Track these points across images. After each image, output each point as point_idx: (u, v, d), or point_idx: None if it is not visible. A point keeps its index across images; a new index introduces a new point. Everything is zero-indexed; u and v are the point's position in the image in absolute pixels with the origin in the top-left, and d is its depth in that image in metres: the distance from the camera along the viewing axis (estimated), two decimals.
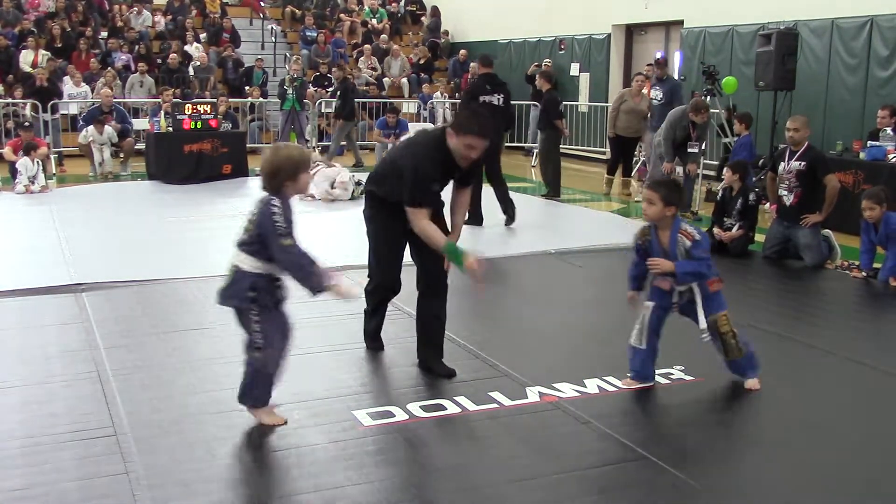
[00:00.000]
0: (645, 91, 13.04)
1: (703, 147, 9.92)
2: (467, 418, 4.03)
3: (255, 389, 3.83)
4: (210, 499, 3.26)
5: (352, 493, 3.31)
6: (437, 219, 4.54)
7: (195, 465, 3.52)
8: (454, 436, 3.86)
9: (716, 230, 7.87)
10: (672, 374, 4.61)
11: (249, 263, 3.67)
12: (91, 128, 12.49)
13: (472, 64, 18.47)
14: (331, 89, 15.80)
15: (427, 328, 4.69)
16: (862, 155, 9.09)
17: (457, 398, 4.23)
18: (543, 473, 3.50)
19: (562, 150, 11.50)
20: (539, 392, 4.32)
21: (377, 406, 4.12)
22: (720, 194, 8.19)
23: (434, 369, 4.61)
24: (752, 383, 4.42)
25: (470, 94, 9.37)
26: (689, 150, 9.68)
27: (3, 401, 4.20)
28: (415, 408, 4.11)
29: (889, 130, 8.93)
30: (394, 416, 4.03)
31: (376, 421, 3.96)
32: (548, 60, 16.57)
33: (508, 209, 9.18)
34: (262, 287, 3.69)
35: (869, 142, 9.17)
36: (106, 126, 12.51)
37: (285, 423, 3.88)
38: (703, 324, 4.30)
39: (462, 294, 6.58)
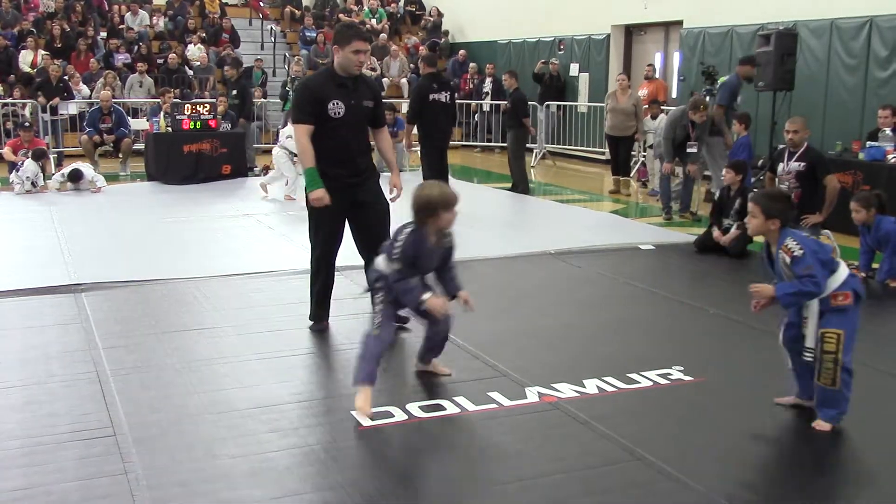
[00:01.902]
0: (643, 91, 13.08)
1: (703, 147, 9.93)
2: (466, 419, 4.04)
3: (364, 365, 4.06)
4: (210, 499, 3.26)
5: (352, 493, 3.31)
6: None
7: (195, 465, 3.52)
8: (453, 436, 3.86)
9: (714, 231, 7.88)
10: (671, 374, 4.61)
11: (380, 260, 4.18)
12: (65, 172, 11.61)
13: (470, 65, 18.53)
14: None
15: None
16: (861, 155, 9.09)
17: (456, 398, 4.23)
18: (543, 474, 3.50)
19: (561, 151, 11.58)
20: (538, 392, 4.32)
21: (376, 406, 4.12)
22: (718, 194, 8.21)
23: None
24: (821, 424, 3.91)
25: (419, 94, 9.53)
26: (689, 149, 9.68)
27: (2, 401, 4.21)
28: (414, 408, 4.11)
29: (888, 131, 8.92)
30: (393, 416, 4.03)
31: (376, 421, 3.97)
32: (555, 60, 16.59)
33: None
34: (385, 282, 4.11)
35: (868, 142, 9.18)
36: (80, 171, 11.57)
37: (372, 414, 3.99)
38: (810, 340, 3.89)
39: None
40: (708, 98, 10.68)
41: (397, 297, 4.09)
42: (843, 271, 3.83)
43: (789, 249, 3.79)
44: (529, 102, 12.63)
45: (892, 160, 8.62)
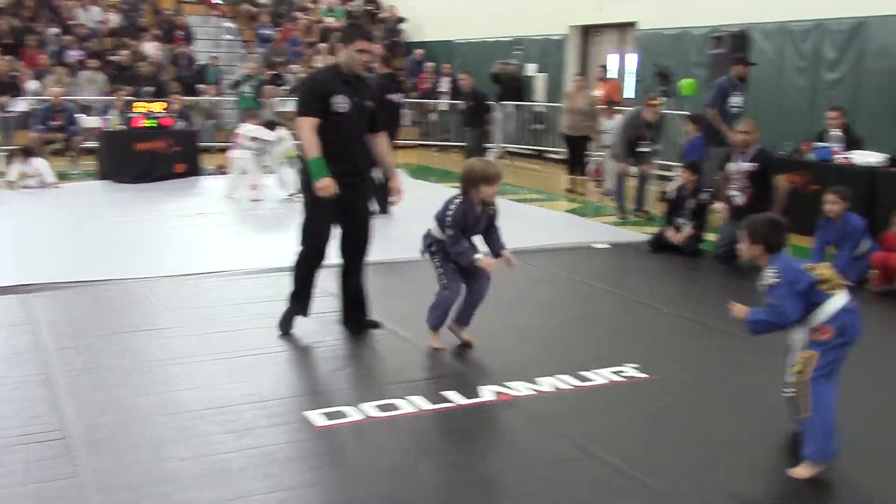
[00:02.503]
0: (598, 92, 13.19)
1: (656, 147, 10.06)
2: (421, 418, 4.04)
3: (433, 313, 4.95)
4: (159, 502, 3.22)
5: (306, 494, 3.29)
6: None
7: (143, 467, 3.48)
8: (407, 435, 3.86)
9: (668, 230, 7.98)
10: (626, 371, 4.66)
11: (433, 228, 4.91)
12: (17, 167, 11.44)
13: (426, 65, 18.52)
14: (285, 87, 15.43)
15: (352, 294, 5.29)
16: (810, 156, 9.27)
17: (410, 398, 4.23)
18: (498, 472, 3.51)
19: (519, 150, 11.63)
20: (493, 391, 4.33)
21: (331, 406, 4.11)
22: (673, 194, 8.31)
23: (364, 323, 5.30)
24: (799, 471, 3.52)
25: (378, 93, 9.53)
26: (641, 149, 9.80)
27: None
28: (368, 408, 4.10)
29: (836, 132, 9.10)
30: (347, 416, 4.02)
31: (330, 421, 3.95)
32: (514, 60, 16.66)
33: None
34: (438, 246, 4.89)
35: (817, 143, 9.35)
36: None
37: (444, 348, 4.86)
38: (788, 374, 3.68)
39: (415, 296, 6.58)
40: (663, 99, 10.82)
41: (454, 258, 4.83)
42: (832, 304, 3.53)
43: (767, 277, 3.63)
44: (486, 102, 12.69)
45: (839, 160, 8.78)
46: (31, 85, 14.87)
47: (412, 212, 9.79)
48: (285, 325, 5.18)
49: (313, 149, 4.84)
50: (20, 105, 14.27)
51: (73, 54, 16.52)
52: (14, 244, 7.68)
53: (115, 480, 3.36)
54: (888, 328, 5.89)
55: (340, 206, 5.00)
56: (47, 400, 4.15)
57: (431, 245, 4.93)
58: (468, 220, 4.82)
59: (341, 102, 4.90)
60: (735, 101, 9.20)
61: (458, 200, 4.83)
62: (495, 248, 5.03)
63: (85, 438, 3.72)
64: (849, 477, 3.55)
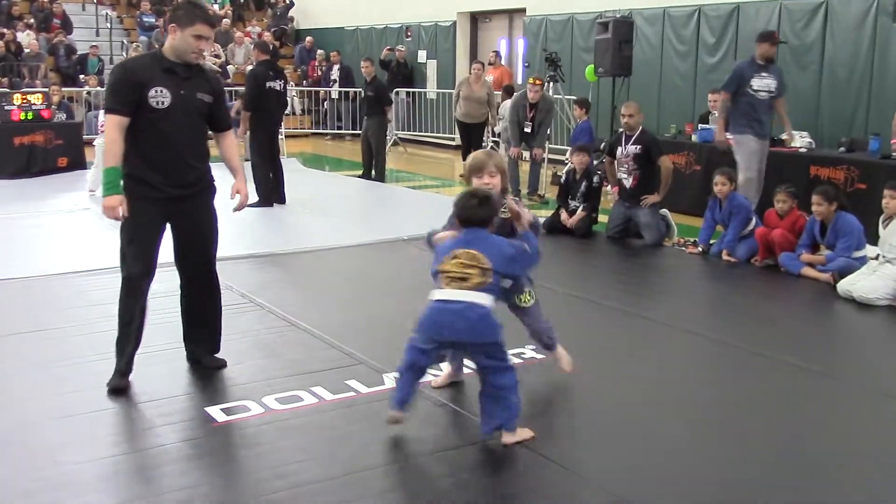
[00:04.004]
0: (490, 78, 13.31)
1: (547, 131, 10.24)
2: (324, 408, 4.01)
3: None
4: None
5: (207, 492, 3.23)
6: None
7: (38, 473, 3.35)
8: (310, 427, 3.82)
9: (562, 213, 8.13)
10: (525, 353, 4.73)
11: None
12: None
13: (317, 52, 18.30)
14: None
15: (195, 318, 4.48)
16: (694, 137, 9.60)
17: (313, 388, 4.19)
18: (406, 456, 3.53)
19: (411, 137, 11.63)
20: (397, 378, 4.33)
21: (231, 401, 4.04)
22: (564, 177, 8.47)
23: (203, 362, 4.49)
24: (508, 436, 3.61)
25: (255, 81, 9.47)
26: (525, 129, 9.97)
27: None
28: (270, 400, 4.05)
29: (716, 114, 9.45)
30: (249, 409, 3.96)
31: (231, 416, 3.88)
32: (401, 46, 16.63)
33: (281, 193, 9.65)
34: None
35: (700, 125, 9.69)
36: None
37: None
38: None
39: (314, 284, 6.54)
40: (551, 84, 11.01)
41: None
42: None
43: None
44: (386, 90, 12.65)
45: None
46: None
47: (302, 201, 9.76)
48: (114, 382, 4.19)
49: (110, 156, 4.02)
50: None
51: None
52: None
53: (7, 488, 3.22)
54: (770, 300, 6.16)
55: (164, 220, 4.21)
56: None
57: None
58: None
59: (159, 96, 4.04)
60: (761, 84, 7.93)
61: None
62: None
63: None
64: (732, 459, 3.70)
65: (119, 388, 4.14)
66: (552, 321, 4.44)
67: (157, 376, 4.35)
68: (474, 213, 3.67)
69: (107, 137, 4.07)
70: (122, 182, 4.04)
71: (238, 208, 4.50)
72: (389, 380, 4.31)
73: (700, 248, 7.34)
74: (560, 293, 6.05)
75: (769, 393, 4.32)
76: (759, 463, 3.50)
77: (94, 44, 17.35)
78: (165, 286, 4.71)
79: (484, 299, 3.54)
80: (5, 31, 16.53)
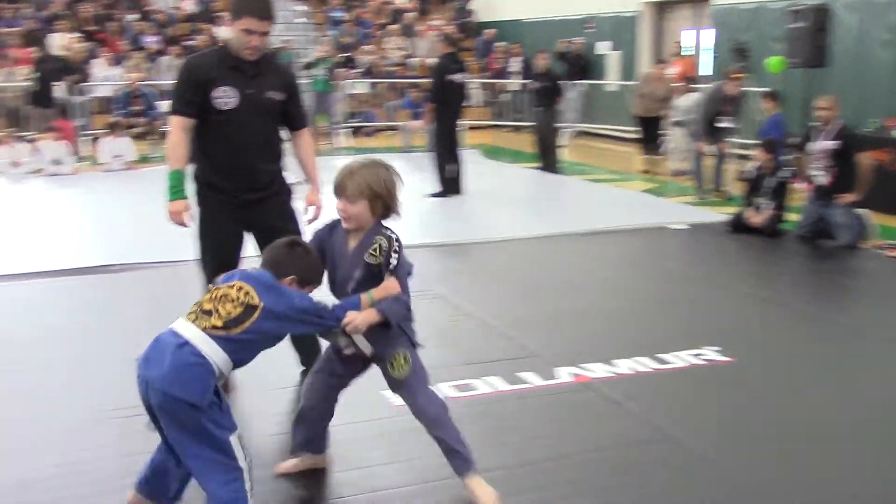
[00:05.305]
0: (672, 70, 12.94)
1: (736, 124, 9.85)
2: (497, 398, 4.04)
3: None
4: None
5: (385, 472, 3.33)
6: None
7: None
8: (484, 416, 3.86)
9: (747, 211, 7.80)
10: (705, 354, 4.58)
11: None
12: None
13: (496, 44, 18.42)
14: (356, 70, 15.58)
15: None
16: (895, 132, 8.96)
17: (487, 378, 4.23)
18: (573, 453, 3.50)
19: (590, 130, 11.51)
20: (570, 372, 4.31)
21: None
22: (752, 174, 8.13)
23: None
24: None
25: (440, 73, 9.54)
26: (722, 125, 9.60)
27: None
28: (445, 387, 4.10)
29: None
30: None
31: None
32: (580, 38, 16.47)
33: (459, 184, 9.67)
34: None
35: None
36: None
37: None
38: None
39: (491, 275, 6.59)
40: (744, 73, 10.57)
41: None
42: None
43: None
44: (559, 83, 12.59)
45: None
46: (109, 71, 15.25)
47: (481, 192, 9.85)
48: None
49: (174, 159, 3.83)
50: (99, 90, 14.66)
51: (150, 40, 16.89)
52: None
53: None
54: None
55: (243, 228, 3.97)
56: None
57: None
58: None
59: (225, 96, 3.80)
60: None
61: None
62: None
63: None
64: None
65: None
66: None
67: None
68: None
69: (170, 139, 3.89)
70: (186, 186, 3.88)
71: (312, 220, 3.95)
72: (563, 374, 4.29)
73: None
74: (745, 294, 5.82)
75: None
76: None
77: (286, 38, 18.19)
78: None
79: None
80: (207, 26, 17.62)
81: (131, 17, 17.75)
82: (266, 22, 3.82)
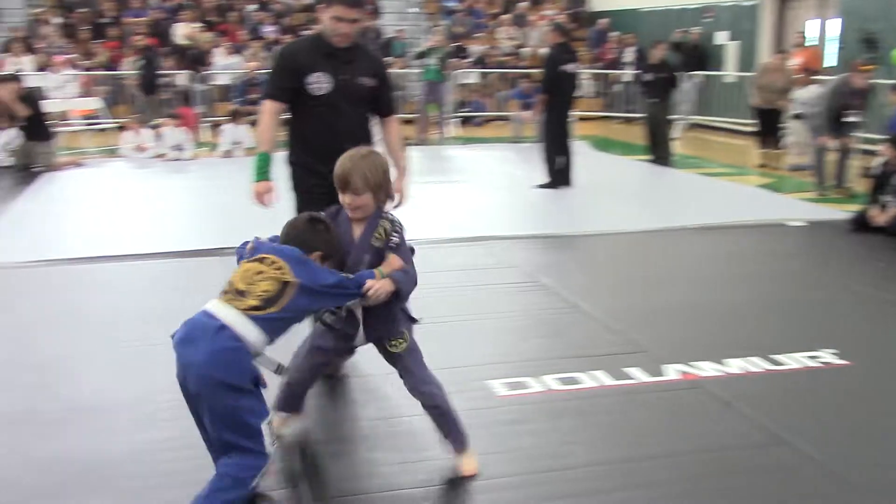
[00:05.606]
0: (794, 61, 12.47)
1: (862, 118, 9.43)
2: (602, 393, 3.98)
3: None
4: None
5: (488, 461, 3.32)
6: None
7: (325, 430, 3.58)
8: (589, 410, 3.81)
9: (872, 209, 7.46)
10: (822, 357, 4.40)
11: None
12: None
13: (610, 35, 18.13)
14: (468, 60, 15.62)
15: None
16: None
17: (593, 372, 4.18)
18: (678, 452, 3.42)
19: (706, 122, 11.22)
20: (678, 370, 4.22)
21: (512, 377, 4.12)
22: (878, 170, 7.77)
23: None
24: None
25: (553, 64, 9.43)
26: (848, 119, 9.20)
27: None
28: (550, 380, 4.08)
29: None
30: (529, 387, 4.02)
31: (511, 391, 3.97)
32: (697, 28, 16.07)
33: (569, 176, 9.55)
34: None
35: None
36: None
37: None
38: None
39: (599, 268, 6.50)
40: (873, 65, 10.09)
41: None
42: None
43: None
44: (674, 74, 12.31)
45: None
46: (229, 59, 15.73)
47: (591, 185, 9.73)
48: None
49: (263, 141, 4.02)
50: (220, 78, 15.14)
51: (269, 30, 17.34)
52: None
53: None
54: None
55: None
56: None
57: None
58: None
59: (319, 82, 3.93)
60: None
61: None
62: None
63: None
64: None
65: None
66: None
67: (444, 347, 4.47)
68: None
69: (260, 123, 4.02)
70: (271, 169, 3.99)
71: (395, 207, 3.81)
72: (670, 371, 4.20)
73: None
74: (866, 296, 5.56)
75: None
76: None
77: (399, 27, 18.37)
78: None
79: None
80: None
81: (251, 7, 18.26)
82: (355, 10, 3.94)
